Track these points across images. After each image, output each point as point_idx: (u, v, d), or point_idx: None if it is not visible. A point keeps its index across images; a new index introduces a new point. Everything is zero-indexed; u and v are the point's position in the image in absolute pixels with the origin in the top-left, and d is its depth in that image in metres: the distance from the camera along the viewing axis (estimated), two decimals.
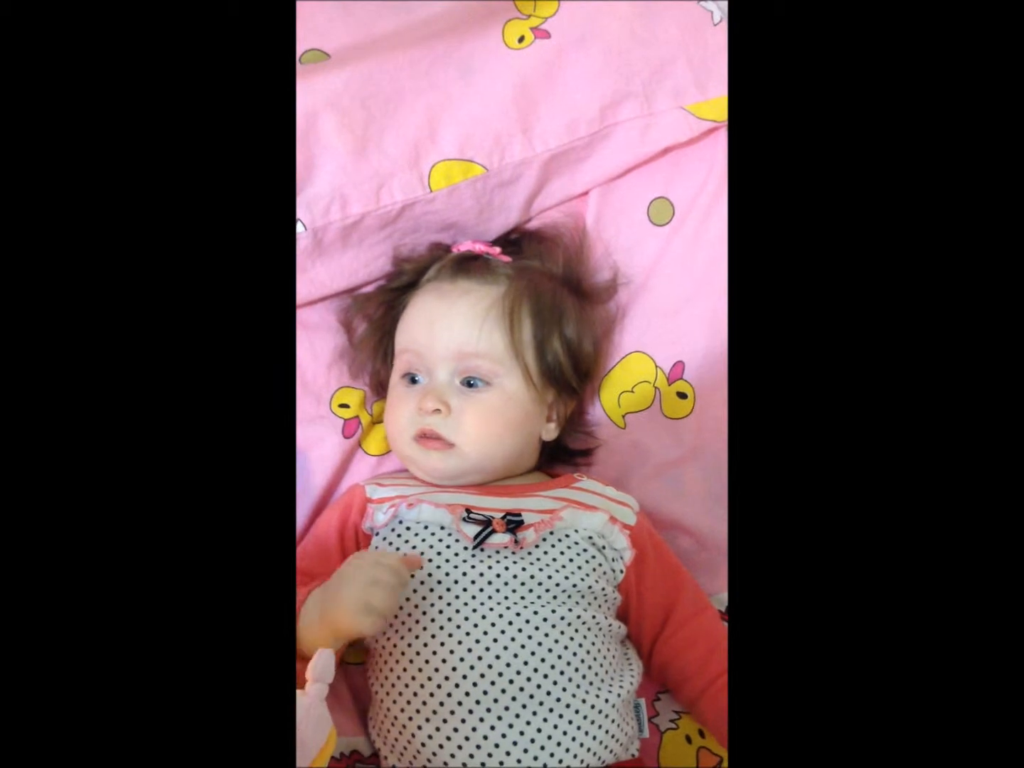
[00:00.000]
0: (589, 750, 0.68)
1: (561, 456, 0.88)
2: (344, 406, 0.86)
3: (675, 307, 0.89)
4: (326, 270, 0.84)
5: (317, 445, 0.84)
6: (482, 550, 0.72)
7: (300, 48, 0.84)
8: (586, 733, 0.68)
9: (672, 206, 0.91)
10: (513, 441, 0.79)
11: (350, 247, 0.84)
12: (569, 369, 0.80)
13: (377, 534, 0.77)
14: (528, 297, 0.80)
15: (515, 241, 0.89)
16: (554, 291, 0.82)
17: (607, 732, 0.69)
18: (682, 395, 0.88)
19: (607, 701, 0.69)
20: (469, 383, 0.77)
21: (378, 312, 0.86)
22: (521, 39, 0.85)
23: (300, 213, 0.80)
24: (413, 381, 0.80)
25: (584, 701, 0.68)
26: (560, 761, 0.66)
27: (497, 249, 0.84)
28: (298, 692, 0.52)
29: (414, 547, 0.73)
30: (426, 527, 0.74)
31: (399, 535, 0.75)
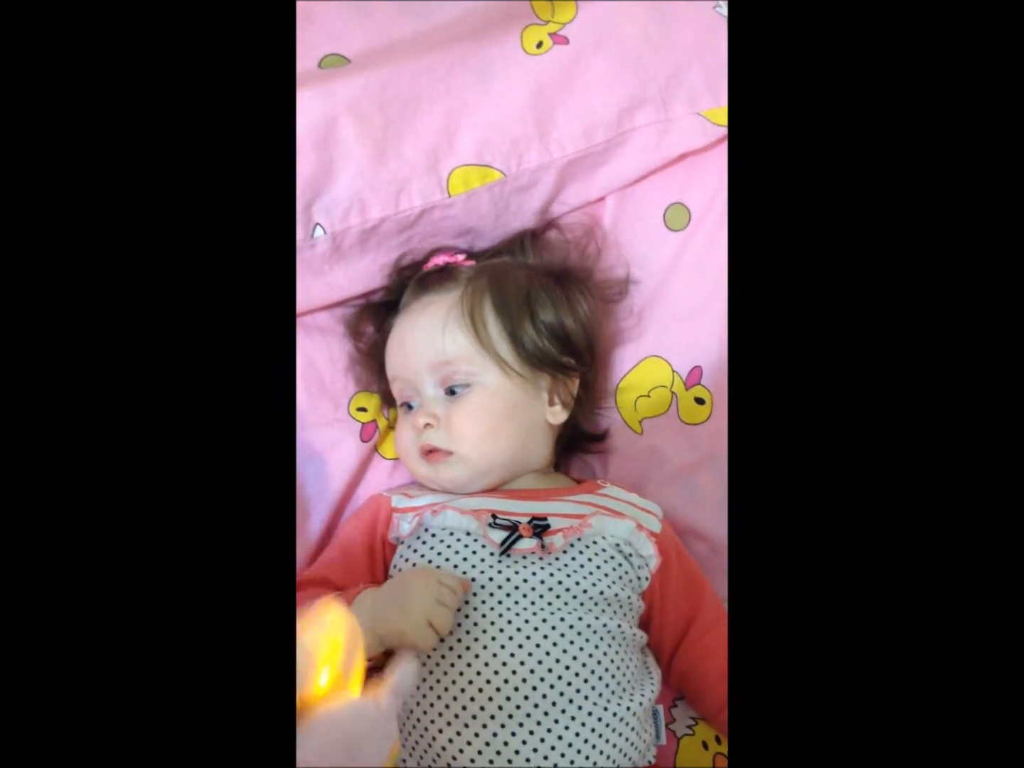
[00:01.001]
0: (608, 757, 0.68)
1: (577, 444, 0.88)
2: (362, 410, 0.87)
3: (692, 312, 0.89)
4: (344, 274, 0.84)
5: (335, 448, 0.84)
6: (509, 555, 0.72)
7: (319, 53, 0.84)
8: (607, 741, 0.68)
9: (688, 211, 0.91)
10: (510, 432, 0.78)
11: (368, 251, 0.84)
12: (554, 352, 0.80)
13: (402, 543, 0.77)
14: (488, 292, 0.79)
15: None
16: (520, 280, 0.81)
17: (627, 740, 0.69)
18: (700, 400, 0.88)
19: (628, 709, 0.69)
20: (452, 391, 0.78)
21: (370, 331, 0.87)
22: (539, 44, 0.85)
23: (319, 218, 0.80)
24: (409, 407, 0.81)
25: (606, 709, 0.68)
26: None
27: (461, 256, 0.84)
28: (367, 699, 0.50)
29: (439, 554, 0.73)
30: (451, 533, 0.74)
31: (424, 542, 0.75)
